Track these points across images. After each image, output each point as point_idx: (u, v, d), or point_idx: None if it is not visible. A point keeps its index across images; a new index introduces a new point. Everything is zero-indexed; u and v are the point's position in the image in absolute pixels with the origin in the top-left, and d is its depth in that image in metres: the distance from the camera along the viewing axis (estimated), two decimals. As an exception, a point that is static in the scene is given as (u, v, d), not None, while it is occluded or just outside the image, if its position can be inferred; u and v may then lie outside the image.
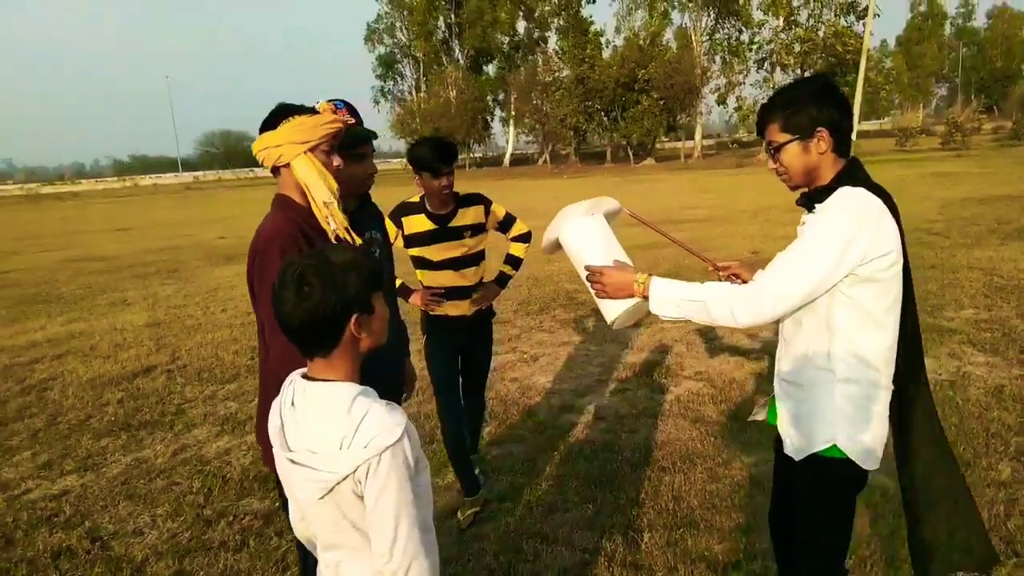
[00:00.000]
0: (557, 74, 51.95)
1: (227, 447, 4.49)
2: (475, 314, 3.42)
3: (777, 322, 1.94)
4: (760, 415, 2.21)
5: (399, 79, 64.48)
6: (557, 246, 2.25)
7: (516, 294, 8.48)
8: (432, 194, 3.19)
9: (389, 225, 3.10)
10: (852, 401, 1.85)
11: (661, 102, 45.54)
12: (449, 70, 58.89)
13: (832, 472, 1.89)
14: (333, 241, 1.97)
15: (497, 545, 3.15)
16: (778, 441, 2.08)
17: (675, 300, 1.87)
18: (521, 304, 7.96)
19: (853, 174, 1.88)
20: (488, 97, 59.77)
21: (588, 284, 2.07)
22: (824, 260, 1.75)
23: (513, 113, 55.86)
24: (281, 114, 1.95)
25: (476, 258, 3.39)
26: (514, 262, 3.55)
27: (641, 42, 49.64)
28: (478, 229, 3.34)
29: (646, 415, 4.53)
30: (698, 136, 52.23)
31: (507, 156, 60.96)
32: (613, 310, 2.05)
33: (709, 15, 50.66)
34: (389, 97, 63.69)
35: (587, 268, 2.05)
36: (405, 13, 59.58)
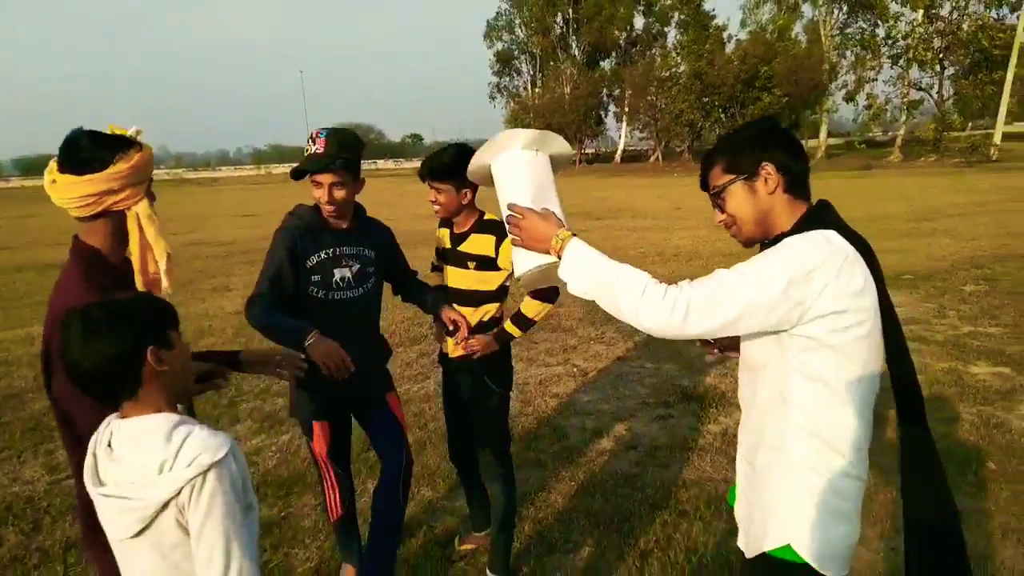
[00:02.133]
0: (674, 69, 50.50)
1: (259, 446, 4.53)
2: (463, 358, 2.80)
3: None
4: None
5: (515, 75, 64.91)
6: (487, 176, 1.94)
7: (586, 301, 8.19)
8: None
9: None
10: (812, 493, 1.51)
11: (784, 99, 43.24)
12: (564, 65, 58.64)
13: (782, 574, 1.55)
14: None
15: (479, 584, 2.95)
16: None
17: (587, 271, 1.59)
18: (588, 312, 7.66)
19: (820, 217, 1.55)
20: (602, 92, 58.98)
21: (507, 226, 1.78)
22: (768, 283, 1.43)
23: (627, 109, 54.86)
24: (106, 152, 1.60)
25: (478, 299, 2.77)
26: (521, 322, 2.72)
27: (768, 36, 47.35)
28: (484, 264, 2.72)
29: (683, 448, 4.16)
30: (823, 135, 49.16)
31: (619, 152, 60.02)
32: (524, 263, 1.77)
33: (841, 8, 47.52)
34: (505, 93, 64.29)
35: (510, 207, 1.77)
36: (524, 9, 59.79)
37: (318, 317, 2.46)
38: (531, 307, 2.69)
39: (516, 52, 63.48)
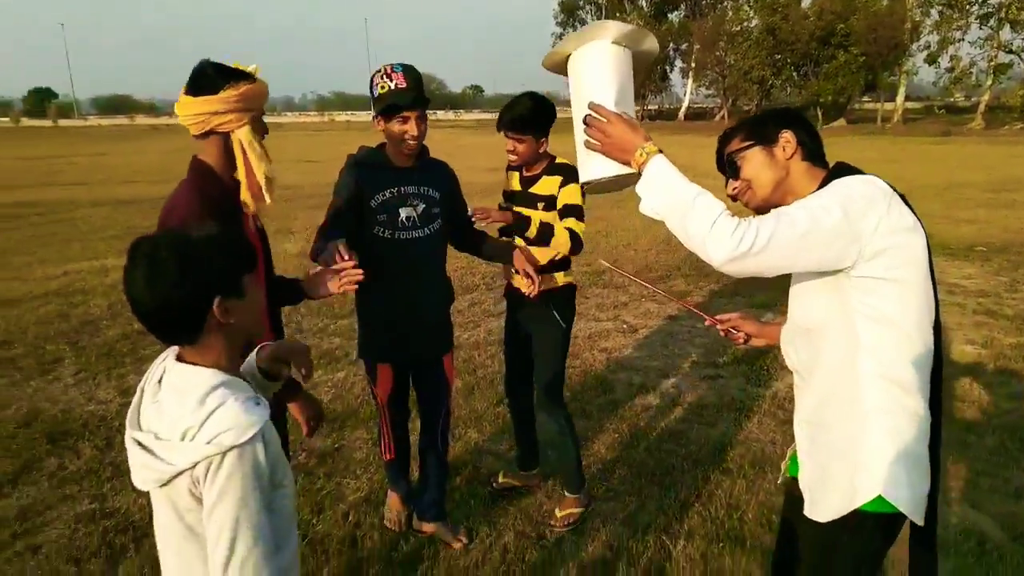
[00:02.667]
0: (746, 24, 48.50)
1: (316, 382, 4.70)
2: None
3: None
4: (785, 471, 1.89)
5: (579, 25, 63.30)
6: (561, 65, 1.74)
7: (640, 258, 8.13)
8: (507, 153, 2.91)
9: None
10: (893, 437, 1.50)
11: (861, 58, 41.14)
12: (631, 17, 56.91)
13: (866, 533, 1.54)
14: (251, 220, 1.90)
15: (520, 524, 3.04)
16: (792, 492, 1.77)
17: (666, 190, 1.51)
18: (642, 269, 7.60)
19: (846, 170, 1.58)
20: (669, 46, 57.15)
21: (580, 126, 1.64)
22: (825, 215, 1.43)
23: (693, 64, 53.15)
24: (221, 79, 1.78)
25: (545, 237, 2.82)
26: (540, 231, 2.79)
27: (848, -10, 44.96)
28: (552, 204, 2.84)
29: (731, 408, 4.15)
30: (900, 98, 46.66)
31: (683, 109, 58.41)
32: (597, 169, 1.64)
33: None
34: (568, 44, 62.85)
35: (592, 107, 1.61)
36: (592, -43, 58.10)
37: (385, 258, 2.52)
38: (560, 237, 2.78)
39: (581, 2, 61.88)
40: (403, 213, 2.55)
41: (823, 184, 1.56)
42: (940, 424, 1.56)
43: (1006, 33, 39.64)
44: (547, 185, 2.85)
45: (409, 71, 2.41)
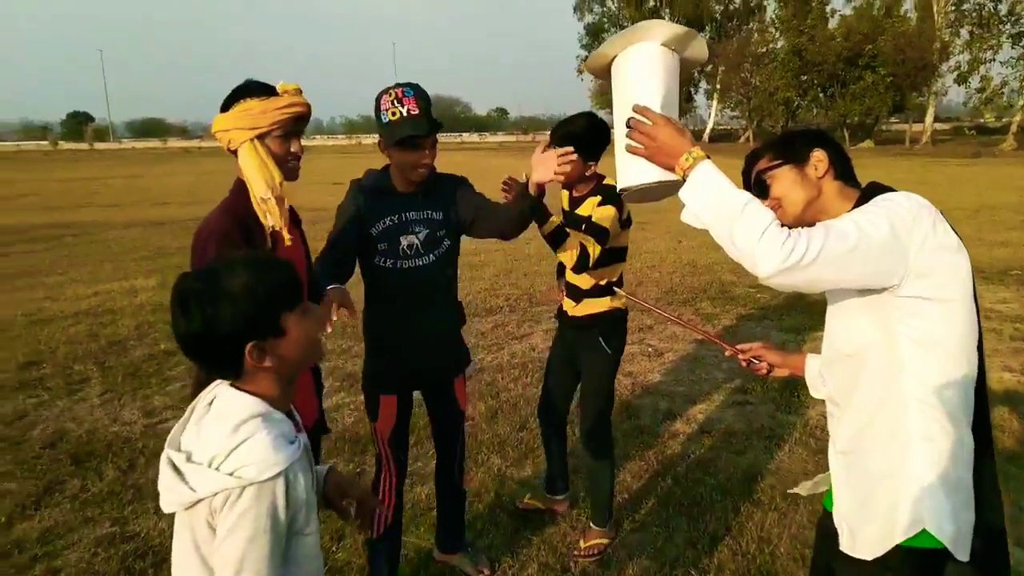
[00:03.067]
0: (772, 45, 48.43)
1: (339, 403, 4.68)
2: (578, 320, 2.91)
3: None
4: (805, 488, 1.81)
5: (604, 48, 63.64)
6: (604, 67, 1.66)
7: (665, 281, 8.03)
8: None
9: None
10: (937, 467, 1.43)
11: (889, 79, 40.78)
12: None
13: (908, 571, 1.47)
14: (268, 238, 1.86)
15: (544, 555, 2.96)
16: (826, 528, 1.69)
17: (712, 197, 1.44)
18: (667, 292, 7.50)
19: (881, 189, 1.52)
20: (694, 68, 57.15)
21: (623, 128, 1.57)
22: (874, 230, 1.37)
23: (719, 86, 53.08)
24: (235, 96, 1.81)
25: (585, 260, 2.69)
26: (557, 230, 2.61)
27: (875, 11, 44.69)
28: (588, 224, 2.76)
29: (760, 436, 4.04)
30: (929, 119, 45.98)
31: (708, 130, 58.28)
32: (640, 175, 1.56)
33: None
34: (592, 67, 63.14)
35: (638, 110, 1.54)
36: (617, -20, 58.50)
37: (388, 287, 2.44)
38: (579, 241, 2.65)
39: (607, 24, 62.22)
40: (404, 241, 2.41)
41: (858, 204, 1.50)
42: (992, 450, 1.49)
43: (1039, 52, 39.05)
44: (587, 207, 2.78)
45: (420, 94, 2.28)
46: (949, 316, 1.41)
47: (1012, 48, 40.30)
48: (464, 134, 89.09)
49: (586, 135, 2.67)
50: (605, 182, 2.80)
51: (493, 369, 5.23)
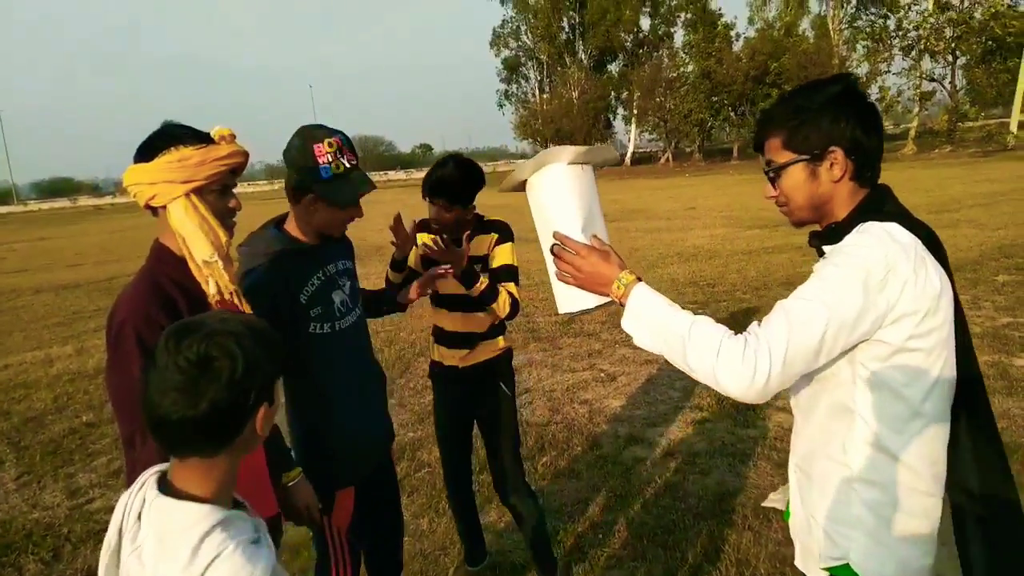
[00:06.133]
0: (682, 69, 50.35)
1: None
2: (471, 369, 2.71)
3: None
4: (777, 501, 1.74)
5: (523, 81, 64.81)
6: (519, 188, 1.63)
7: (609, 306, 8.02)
8: (431, 220, 2.64)
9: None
10: (873, 510, 1.36)
11: (794, 95, 42.91)
12: (572, 70, 58.61)
13: None
14: (214, 307, 1.57)
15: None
16: None
17: (655, 323, 1.37)
18: (611, 315, 7.48)
19: (878, 206, 1.39)
20: (611, 95, 58.80)
21: (549, 256, 1.52)
22: (843, 302, 1.26)
23: (635, 111, 54.70)
24: (160, 142, 1.54)
25: (489, 295, 2.53)
26: (488, 287, 2.50)
27: (775, 32, 47.14)
28: (486, 266, 2.62)
29: (723, 453, 3.99)
30: (835, 130, 48.59)
31: (628, 155, 59.85)
32: (573, 303, 1.53)
33: (850, 1, 47.16)
34: (513, 100, 64.18)
35: (558, 238, 1.49)
36: (530, 16, 59.78)
37: (326, 358, 2.08)
38: (502, 298, 2.53)
39: (523, 59, 63.44)
40: (337, 299, 2.10)
41: (852, 217, 1.39)
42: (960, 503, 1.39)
43: (927, 63, 41.79)
44: (479, 245, 2.60)
45: (350, 144, 2.00)
46: (917, 367, 1.31)
47: (903, 59, 43.04)
48: (390, 172, 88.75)
49: (461, 185, 2.49)
50: (486, 219, 2.65)
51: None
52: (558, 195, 1.52)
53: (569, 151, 1.52)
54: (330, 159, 1.94)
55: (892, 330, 1.28)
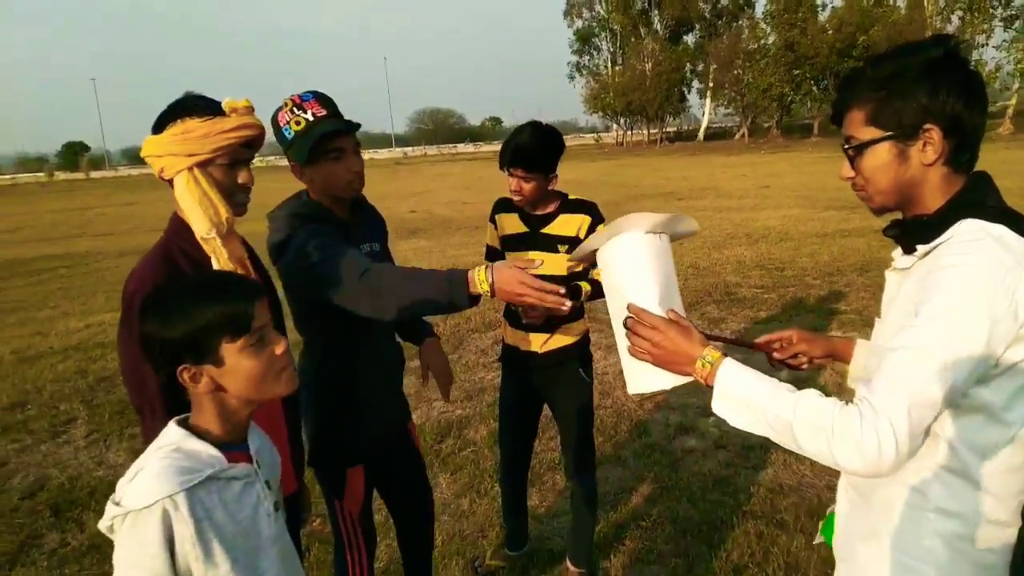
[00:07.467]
0: (763, 41, 48.36)
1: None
2: (550, 354, 2.61)
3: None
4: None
5: (595, 53, 63.71)
6: (590, 259, 1.55)
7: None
8: (510, 192, 2.57)
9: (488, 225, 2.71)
10: (949, 543, 1.21)
11: (882, 68, 40.70)
12: (646, 41, 57.14)
13: None
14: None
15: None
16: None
17: (751, 405, 1.22)
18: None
19: (978, 199, 1.20)
20: (686, 68, 57.09)
21: (621, 329, 1.39)
22: (965, 344, 1.08)
23: (711, 84, 53.02)
24: (171, 114, 1.52)
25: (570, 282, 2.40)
26: (596, 287, 2.43)
27: (864, 2, 44.65)
28: (576, 245, 2.41)
29: (779, 449, 3.81)
30: (927, 106, 45.87)
31: (702, 129, 58.18)
32: (647, 383, 1.40)
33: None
34: (584, 72, 63.23)
35: (634, 311, 1.36)
36: (605, -15, 58.51)
37: (347, 336, 2.01)
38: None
39: (596, 29, 62.27)
40: None
41: (948, 211, 1.21)
42: None
43: (1033, 35, 38.85)
44: (567, 225, 2.51)
45: (322, 97, 1.91)
46: (1013, 385, 1.13)
47: (1005, 31, 40.13)
48: (459, 145, 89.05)
49: (540, 150, 2.40)
50: (571, 197, 2.56)
51: (495, 388, 5.02)
52: (633, 265, 1.42)
53: (647, 219, 1.41)
54: (288, 118, 1.88)
55: (1008, 353, 1.12)
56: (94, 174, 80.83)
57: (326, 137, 1.86)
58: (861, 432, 1.07)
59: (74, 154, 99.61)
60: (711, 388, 1.28)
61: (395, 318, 1.70)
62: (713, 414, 1.27)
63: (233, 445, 1.27)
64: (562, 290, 1.61)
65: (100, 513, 3.57)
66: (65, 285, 10.54)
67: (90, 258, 13.21)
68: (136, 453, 4.23)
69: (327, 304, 1.79)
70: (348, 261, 1.73)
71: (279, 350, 1.25)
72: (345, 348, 2.02)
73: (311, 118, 1.86)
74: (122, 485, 1.15)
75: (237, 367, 1.20)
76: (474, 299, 1.64)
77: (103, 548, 3.26)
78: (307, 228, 1.86)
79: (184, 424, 1.24)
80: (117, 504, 1.12)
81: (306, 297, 1.92)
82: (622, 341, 1.40)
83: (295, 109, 1.87)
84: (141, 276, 1.54)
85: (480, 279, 1.60)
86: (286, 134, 1.89)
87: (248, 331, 1.20)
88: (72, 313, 8.50)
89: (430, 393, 4.81)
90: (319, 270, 1.75)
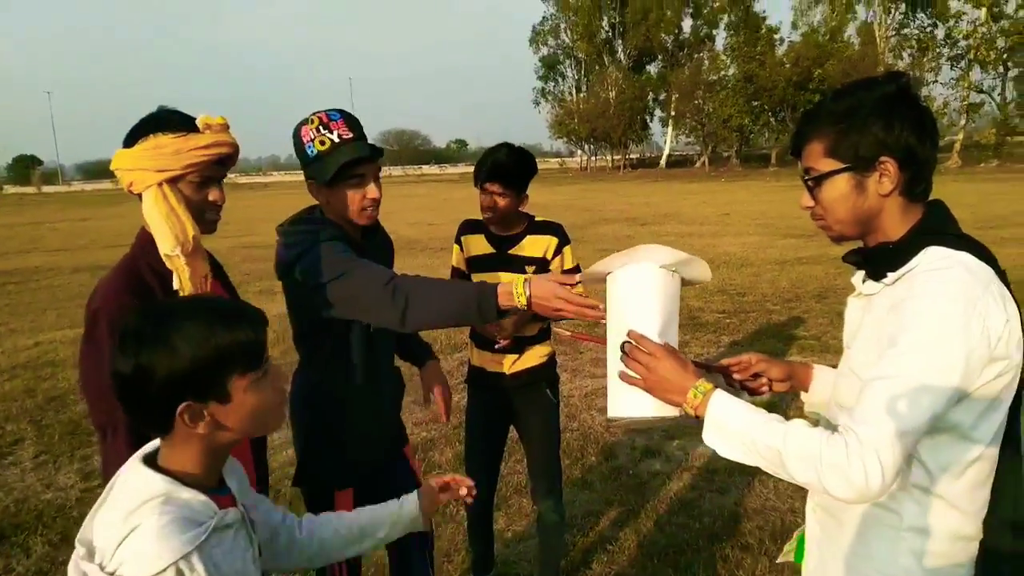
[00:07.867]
0: (723, 72, 49.70)
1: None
2: (518, 375, 2.63)
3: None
4: (790, 554, 1.62)
5: (560, 79, 64.68)
6: (599, 282, 1.54)
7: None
8: (482, 210, 2.61)
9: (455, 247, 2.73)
10: (920, 559, 1.23)
11: (837, 102, 42.19)
12: (610, 70, 58.25)
13: None
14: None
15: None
16: None
17: (741, 436, 1.23)
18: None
19: (939, 226, 1.25)
20: (648, 97, 58.32)
21: (616, 352, 1.40)
22: (944, 373, 1.11)
23: (673, 113, 54.18)
24: (142, 129, 1.49)
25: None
26: None
27: (820, 38, 46.28)
28: (543, 267, 2.56)
29: (742, 472, 3.85)
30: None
31: (664, 157, 59.29)
32: (630, 407, 1.41)
33: (898, 7, 46.01)
34: (550, 98, 64.06)
35: (634, 337, 1.37)
36: (570, 15, 59.56)
37: (348, 355, 1.96)
38: None
39: (561, 57, 63.28)
40: None
41: (910, 239, 1.25)
42: None
43: (976, 74, 40.71)
44: (535, 246, 2.56)
45: (350, 118, 1.88)
46: (983, 407, 1.18)
47: (951, 70, 41.97)
48: (424, 166, 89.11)
49: (516, 167, 2.47)
50: (538, 219, 2.63)
51: (462, 410, 4.97)
52: (642, 294, 1.43)
53: (666, 253, 1.44)
54: (313, 136, 1.83)
55: (982, 375, 1.15)
56: (46, 188, 78.70)
57: (354, 163, 1.82)
58: (848, 463, 1.09)
59: (25, 167, 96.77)
60: (700, 420, 1.28)
61: (418, 328, 1.68)
62: (702, 443, 1.28)
63: (214, 488, 1.15)
64: (600, 305, 1.58)
65: (47, 537, 3.42)
66: (13, 302, 10.17)
67: (41, 274, 12.80)
68: (87, 476, 4.10)
69: (333, 320, 1.76)
70: (371, 269, 1.73)
71: (284, 384, 1.18)
72: (345, 366, 1.97)
73: (337, 139, 1.83)
74: (108, 548, 0.99)
75: (243, 404, 1.08)
76: (502, 312, 1.62)
77: (49, 574, 3.12)
78: (323, 242, 1.81)
79: (155, 465, 1.10)
80: (111, 574, 0.97)
81: (313, 314, 1.85)
82: (614, 364, 1.41)
83: (321, 128, 1.83)
84: (106, 292, 1.49)
85: (518, 292, 1.59)
86: (308, 151, 1.85)
87: (260, 364, 1.10)
88: (20, 330, 8.20)
89: (406, 415, 4.75)
90: (342, 280, 1.71)
